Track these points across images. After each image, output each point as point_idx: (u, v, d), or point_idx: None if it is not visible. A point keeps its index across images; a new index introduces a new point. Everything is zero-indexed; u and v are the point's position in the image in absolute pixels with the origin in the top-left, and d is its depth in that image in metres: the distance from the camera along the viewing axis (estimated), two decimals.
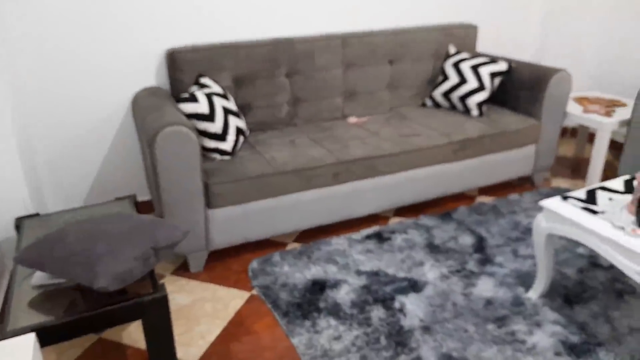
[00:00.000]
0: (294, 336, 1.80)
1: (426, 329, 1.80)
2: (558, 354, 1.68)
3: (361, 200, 2.40)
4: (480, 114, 2.73)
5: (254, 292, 2.07)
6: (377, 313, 1.89)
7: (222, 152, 2.23)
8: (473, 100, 2.71)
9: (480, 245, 2.32)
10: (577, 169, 3.25)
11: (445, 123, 2.64)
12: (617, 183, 1.89)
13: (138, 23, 2.36)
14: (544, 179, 2.99)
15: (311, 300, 1.97)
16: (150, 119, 1.98)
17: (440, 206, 2.75)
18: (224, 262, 2.28)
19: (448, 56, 2.91)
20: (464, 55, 2.85)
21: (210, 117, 2.18)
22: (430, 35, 2.92)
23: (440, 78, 2.87)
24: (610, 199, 1.77)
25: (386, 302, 1.94)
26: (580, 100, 3.04)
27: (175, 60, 2.38)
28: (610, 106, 2.89)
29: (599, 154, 2.73)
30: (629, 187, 1.85)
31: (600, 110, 2.79)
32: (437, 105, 2.92)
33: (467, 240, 2.36)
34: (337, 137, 2.48)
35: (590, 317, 1.85)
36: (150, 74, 2.47)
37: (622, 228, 1.58)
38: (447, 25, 2.99)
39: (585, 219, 1.65)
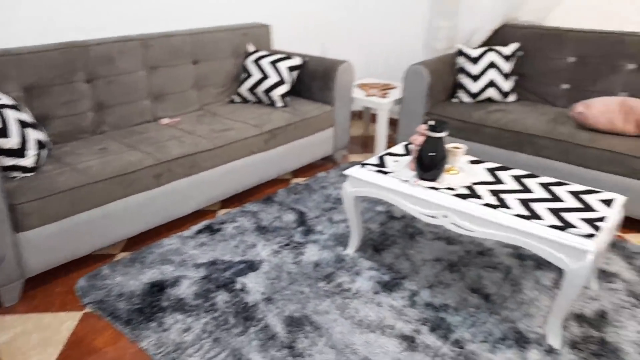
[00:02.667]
0: (142, 340, 1.78)
1: (268, 300, 1.97)
2: (376, 292, 2.03)
3: (186, 197, 2.45)
4: (285, 105, 3.01)
5: (88, 309, 1.97)
6: (222, 297, 1.99)
7: (24, 169, 2.04)
8: (276, 93, 2.98)
9: (301, 220, 2.59)
10: (366, 144, 3.82)
11: (254, 116, 2.84)
12: (399, 148, 2.35)
13: None
14: (342, 156, 3.45)
15: (152, 303, 1.96)
16: None
17: (261, 192, 2.96)
18: (45, 287, 2.09)
19: (248, 54, 3.12)
20: (262, 52, 3.09)
21: (3, 132, 1.96)
22: (229, 35, 3.08)
23: (244, 75, 3.07)
24: (396, 161, 2.20)
25: (228, 286, 2.06)
26: (362, 86, 3.58)
27: None
28: (385, 89, 3.48)
29: (381, 129, 3.28)
30: (407, 151, 2.31)
31: (378, 93, 3.34)
32: (244, 100, 3.10)
33: (290, 217, 2.62)
34: (152, 139, 2.47)
35: (394, 258, 2.27)
36: None
37: (407, 181, 1.99)
38: (243, 26, 3.19)
39: (380, 178, 2.03)
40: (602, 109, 2.44)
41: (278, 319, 1.88)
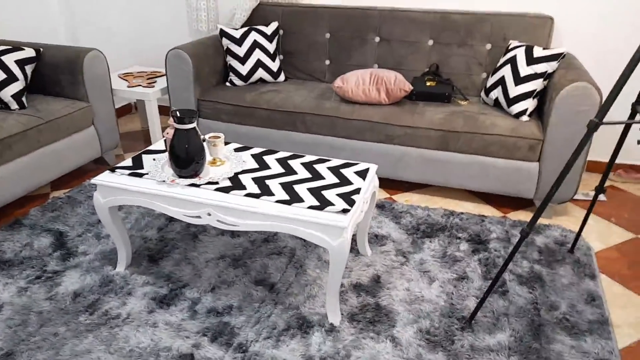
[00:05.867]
0: None
1: (9, 355, 1.58)
2: (151, 311, 1.79)
3: None
4: (22, 106, 2.48)
5: None
6: None
7: None
8: (7, 93, 2.42)
9: (60, 242, 2.18)
10: (148, 140, 3.46)
11: None
12: (159, 144, 2.10)
13: None
14: (115, 156, 3.05)
15: None
16: None
17: (9, 215, 2.42)
18: None
19: None
20: None
21: None
22: None
23: None
24: (154, 159, 1.95)
25: None
26: (125, 76, 3.19)
27: None
28: (151, 77, 3.15)
29: (153, 121, 2.98)
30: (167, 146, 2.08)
31: (143, 82, 3.00)
32: None
33: (44, 242, 2.18)
34: None
35: (174, 266, 2.05)
36: None
37: (164, 181, 1.77)
38: None
39: (133, 183, 1.76)
40: (357, 82, 2.56)
41: None
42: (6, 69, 2.43)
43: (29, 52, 2.54)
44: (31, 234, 2.24)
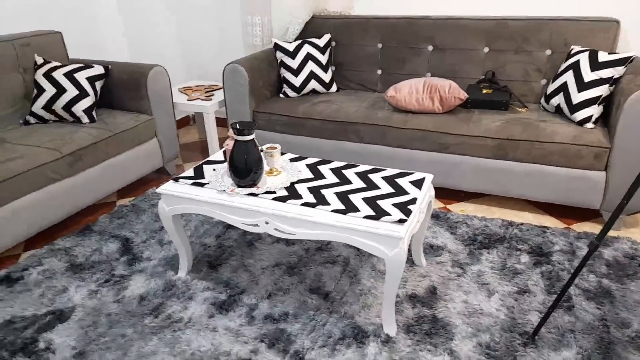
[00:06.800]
0: None
1: (80, 355, 1.67)
2: (211, 316, 1.85)
3: None
4: (92, 120, 2.65)
5: None
6: None
7: None
8: (79, 108, 2.59)
9: (126, 248, 2.30)
10: (205, 150, 3.59)
11: (52, 137, 2.43)
12: (218, 154, 2.17)
13: None
14: (176, 166, 3.18)
15: None
16: None
17: (79, 222, 2.57)
18: None
19: (37, 67, 2.67)
20: (54, 64, 2.67)
21: None
22: (8, 47, 2.60)
23: (35, 91, 2.62)
24: (214, 170, 2.02)
25: (28, 347, 1.70)
26: (185, 90, 3.33)
27: None
28: (209, 91, 3.27)
29: (211, 132, 3.09)
30: (226, 157, 2.15)
31: (201, 96, 3.12)
32: (42, 120, 2.66)
33: (112, 247, 2.30)
34: None
35: (231, 272, 2.11)
36: None
37: (224, 191, 1.83)
38: (25, 34, 2.72)
39: (195, 192, 1.84)
40: (410, 91, 2.55)
41: None
42: (78, 86, 2.61)
43: (99, 70, 2.71)
44: (100, 239, 2.37)
